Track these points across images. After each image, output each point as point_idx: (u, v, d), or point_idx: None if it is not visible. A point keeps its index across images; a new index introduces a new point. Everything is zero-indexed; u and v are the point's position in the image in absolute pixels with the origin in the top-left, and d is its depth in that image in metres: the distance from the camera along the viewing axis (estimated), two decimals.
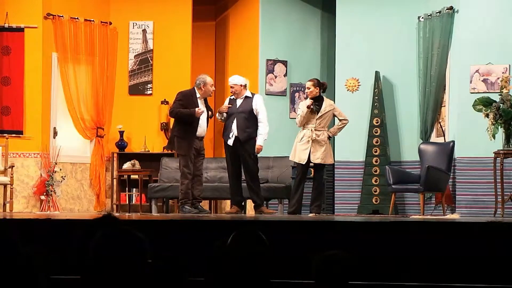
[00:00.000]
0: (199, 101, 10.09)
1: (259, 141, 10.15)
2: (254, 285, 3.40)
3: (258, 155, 10.30)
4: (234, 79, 10.32)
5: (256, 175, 10.26)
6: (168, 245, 5.73)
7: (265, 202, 11.61)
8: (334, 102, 10.94)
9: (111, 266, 2.86)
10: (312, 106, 10.08)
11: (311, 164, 10.23)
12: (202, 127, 10.14)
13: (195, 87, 10.19)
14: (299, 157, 10.13)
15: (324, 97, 10.36)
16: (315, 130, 10.12)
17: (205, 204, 12.87)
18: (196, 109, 9.95)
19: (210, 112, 10.34)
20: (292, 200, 10.25)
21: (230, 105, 10.24)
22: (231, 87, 10.28)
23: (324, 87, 10.34)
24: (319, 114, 10.14)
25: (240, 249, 3.50)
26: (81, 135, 12.68)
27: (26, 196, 12.14)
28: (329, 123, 10.36)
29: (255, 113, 10.16)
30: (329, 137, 10.25)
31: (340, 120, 10.36)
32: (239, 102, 10.23)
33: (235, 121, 10.14)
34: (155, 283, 3.55)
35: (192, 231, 6.27)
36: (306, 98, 10.55)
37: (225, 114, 10.27)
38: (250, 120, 10.14)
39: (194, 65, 13.20)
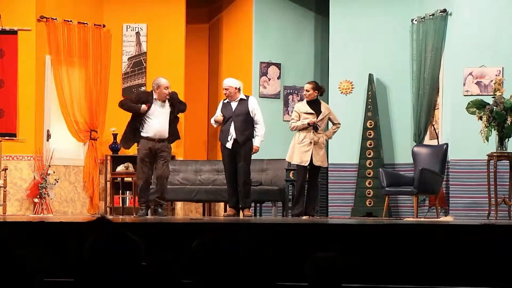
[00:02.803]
0: (155, 102, 10.00)
1: (256, 143, 10.14)
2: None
3: (252, 158, 10.29)
4: (228, 82, 10.29)
5: (250, 177, 10.24)
6: (162, 247, 5.73)
7: (258, 204, 11.64)
8: (328, 104, 10.95)
9: (105, 269, 2.86)
10: (313, 125, 10.04)
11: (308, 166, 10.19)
12: (155, 129, 9.93)
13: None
14: (301, 159, 10.06)
15: (321, 101, 10.34)
16: (317, 133, 10.09)
17: (199, 207, 12.87)
18: (143, 105, 9.92)
19: (173, 115, 10.10)
20: (297, 203, 10.16)
21: (223, 115, 10.18)
22: (225, 89, 10.24)
23: (322, 91, 10.30)
24: (320, 118, 10.11)
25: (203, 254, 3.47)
26: (75, 137, 12.66)
27: (20, 199, 12.11)
28: (325, 126, 10.36)
29: (251, 115, 10.15)
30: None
31: (334, 124, 10.33)
32: (234, 105, 10.20)
33: (232, 124, 10.11)
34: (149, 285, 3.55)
35: (186, 233, 6.26)
36: (300, 100, 10.50)
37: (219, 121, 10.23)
38: (247, 122, 10.13)
39: (187, 68, 13.20)
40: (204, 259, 3.37)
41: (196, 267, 3.36)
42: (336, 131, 10.37)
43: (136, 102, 10.04)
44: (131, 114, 10.14)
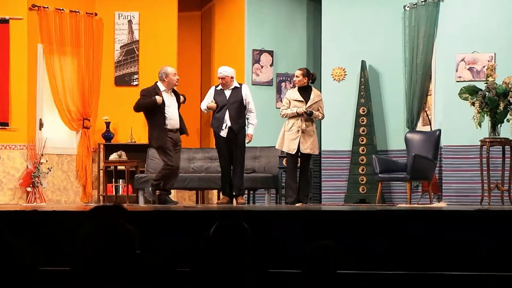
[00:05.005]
0: (164, 94, 9.94)
1: (251, 130, 10.17)
2: (239, 275, 3.40)
3: (246, 145, 10.30)
4: (225, 71, 10.24)
5: (244, 165, 10.27)
6: (156, 236, 5.74)
7: (251, 192, 11.65)
8: (321, 92, 10.95)
9: (100, 258, 2.86)
10: (303, 114, 10.03)
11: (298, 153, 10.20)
12: (173, 119, 9.94)
13: (158, 81, 10.04)
14: (289, 146, 10.09)
15: (313, 87, 10.33)
16: (305, 120, 10.09)
17: (192, 195, 12.88)
18: (157, 96, 9.86)
19: (182, 97, 10.18)
20: (289, 190, 10.18)
21: (216, 103, 10.14)
22: (221, 78, 10.20)
23: (313, 78, 10.29)
24: (308, 104, 10.11)
25: (222, 240, 3.49)
26: (67, 126, 12.64)
27: (12, 188, 12.10)
28: None
29: (244, 103, 10.15)
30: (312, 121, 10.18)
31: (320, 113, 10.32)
32: (228, 93, 10.18)
33: (227, 112, 10.10)
34: (143, 275, 3.56)
35: (180, 221, 6.27)
36: (293, 87, 10.51)
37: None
38: (240, 111, 10.14)
39: (180, 56, 13.18)
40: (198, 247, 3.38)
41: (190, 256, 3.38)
42: (318, 117, 10.31)
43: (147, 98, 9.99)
44: (143, 113, 10.03)
